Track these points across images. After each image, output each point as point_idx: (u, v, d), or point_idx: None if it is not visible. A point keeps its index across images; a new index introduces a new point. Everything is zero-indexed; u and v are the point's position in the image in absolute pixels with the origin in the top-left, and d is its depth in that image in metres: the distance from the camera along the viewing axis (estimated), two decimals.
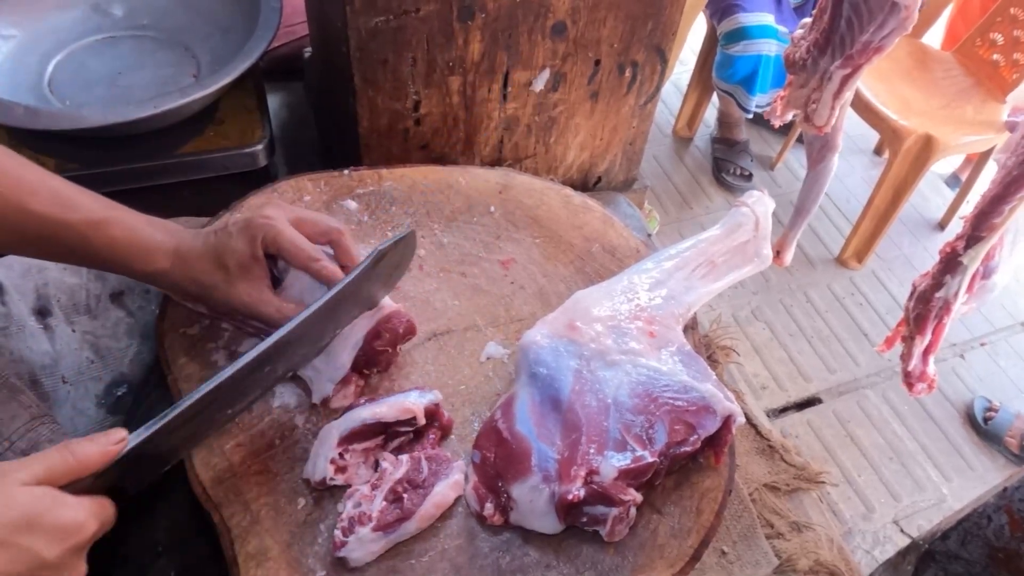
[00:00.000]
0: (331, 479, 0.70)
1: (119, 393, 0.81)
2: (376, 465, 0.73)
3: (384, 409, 0.72)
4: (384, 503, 0.69)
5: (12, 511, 0.48)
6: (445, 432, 0.78)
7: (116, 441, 0.56)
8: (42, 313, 0.80)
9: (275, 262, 0.79)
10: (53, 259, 0.73)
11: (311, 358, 0.77)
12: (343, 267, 0.76)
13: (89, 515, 0.52)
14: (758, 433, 1.09)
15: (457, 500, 0.73)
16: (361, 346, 0.77)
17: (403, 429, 0.74)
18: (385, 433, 0.73)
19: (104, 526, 0.55)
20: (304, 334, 0.70)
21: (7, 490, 0.49)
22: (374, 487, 0.70)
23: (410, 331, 0.80)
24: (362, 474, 0.72)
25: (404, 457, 0.73)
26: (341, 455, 0.71)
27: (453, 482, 0.72)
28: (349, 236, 0.78)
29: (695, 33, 2.67)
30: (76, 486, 0.54)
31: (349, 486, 0.72)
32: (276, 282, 0.78)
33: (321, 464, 0.70)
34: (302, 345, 0.73)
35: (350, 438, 0.71)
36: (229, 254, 0.73)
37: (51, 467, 0.52)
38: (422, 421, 0.74)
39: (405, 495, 0.70)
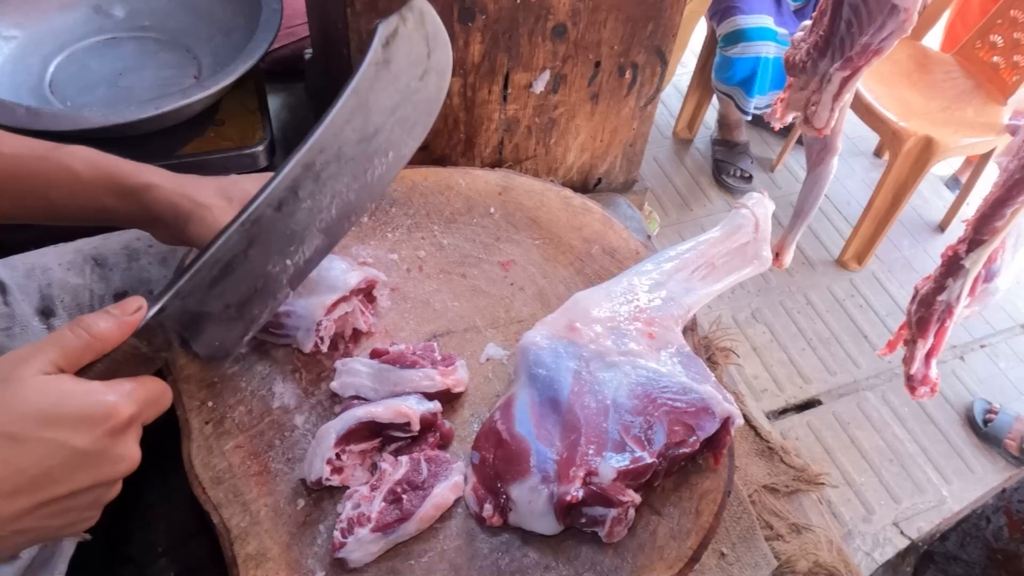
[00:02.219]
0: (327, 479, 0.70)
1: None
2: (373, 467, 0.73)
3: (380, 410, 0.72)
4: (383, 504, 0.69)
5: (30, 404, 0.45)
6: (445, 441, 0.77)
7: (133, 310, 0.52)
8: (45, 313, 0.80)
9: None
10: (24, 205, 0.68)
11: (366, 192, 0.66)
12: None
13: (119, 396, 0.48)
14: (757, 435, 1.09)
15: (457, 501, 0.73)
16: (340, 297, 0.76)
17: (399, 434, 0.74)
18: (382, 435, 0.73)
19: (151, 404, 0.51)
20: (335, 151, 0.62)
21: (23, 382, 0.46)
22: (373, 488, 0.70)
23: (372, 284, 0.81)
24: (358, 476, 0.72)
25: (404, 458, 0.73)
26: (338, 456, 0.71)
27: (453, 483, 0.72)
28: None
29: (695, 35, 2.67)
30: (98, 369, 0.50)
31: (345, 487, 0.72)
32: None
33: (318, 464, 0.70)
34: (342, 168, 0.63)
35: (347, 438, 0.71)
36: (235, 189, 0.72)
37: (67, 348, 0.48)
38: (416, 428, 0.73)
39: (404, 496, 0.70)
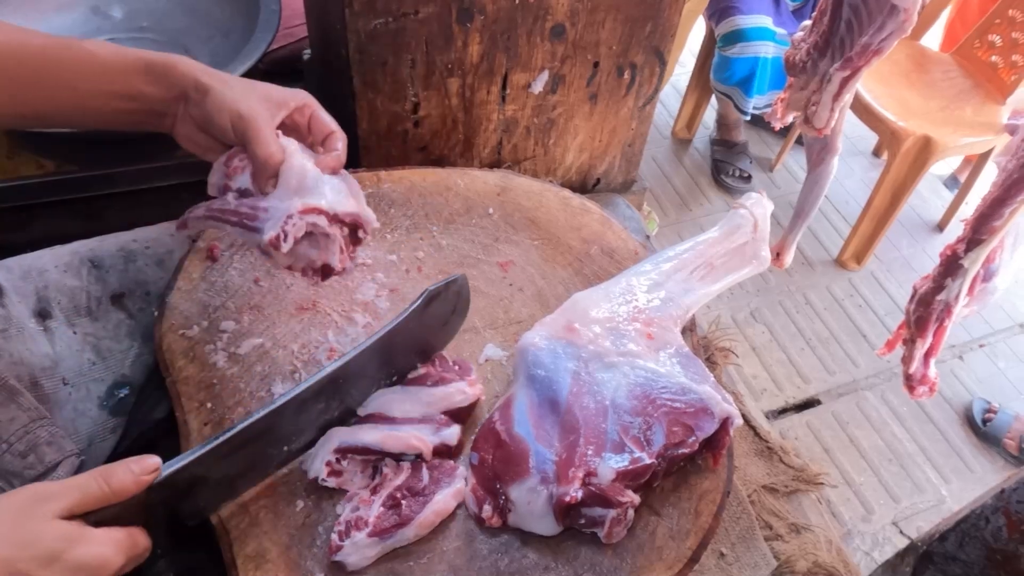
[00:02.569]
0: (323, 480, 0.70)
1: (121, 395, 0.81)
2: (375, 471, 0.73)
3: (390, 442, 0.72)
4: (382, 509, 0.69)
5: (38, 546, 0.50)
6: (456, 454, 0.77)
7: (150, 470, 0.57)
8: (42, 315, 0.80)
9: None
10: (54, 101, 0.69)
11: (364, 398, 0.76)
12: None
13: (115, 550, 0.53)
14: (757, 435, 1.09)
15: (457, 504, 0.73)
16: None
17: (406, 458, 0.74)
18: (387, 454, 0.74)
19: (133, 559, 0.56)
20: (359, 370, 0.72)
21: (38, 523, 0.51)
22: (374, 492, 0.70)
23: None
24: (357, 480, 0.72)
25: (405, 464, 0.73)
26: (338, 460, 0.71)
27: (454, 491, 0.72)
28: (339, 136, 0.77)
29: (694, 35, 2.67)
30: (106, 513, 0.54)
31: (343, 490, 0.72)
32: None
33: (317, 464, 0.71)
34: (357, 383, 0.73)
35: (350, 451, 0.71)
36: (263, 85, 0.73)
37: (86, 497, 0.53)
38: (429, 458, 0.73)
39: (404, 502, 0.69)
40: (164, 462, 0.59)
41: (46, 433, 0.69)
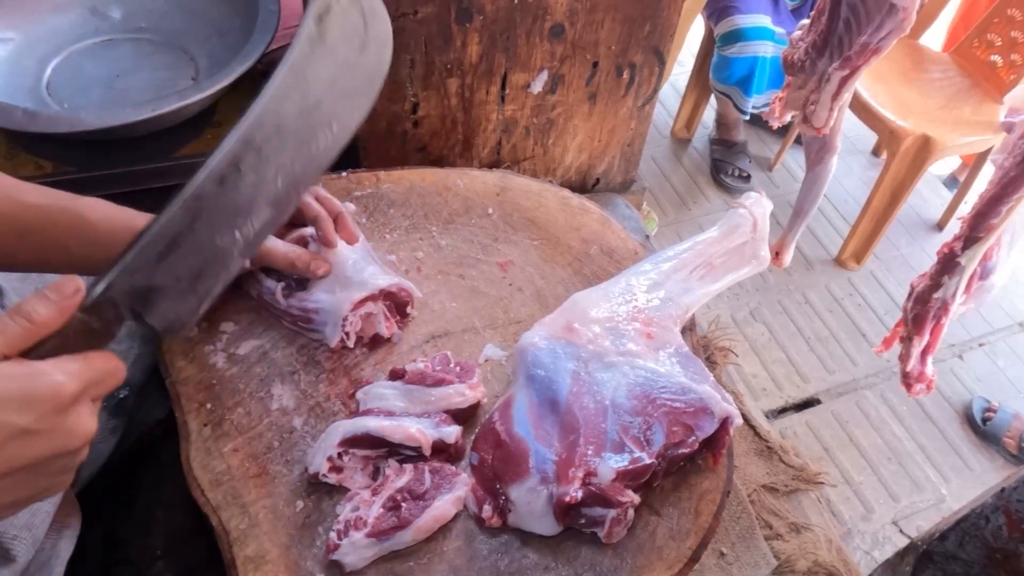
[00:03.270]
0: (324, 475, 0.70)
1: (121, 395, 0.81)
2: (375, 472, 0.73)
3: (391, 430, 0.72)
4: (381, 510, 0.68)
5: None
6: (457, 456, 0.77)
7: (71, 293, 0.52)
8: None
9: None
10: (42, 257, 0.70)
11: (312, 166, 0.67)
12: (331, 214, 0.82)
13: (64, 375, 0.50)
14: (756, 434, 1.09)
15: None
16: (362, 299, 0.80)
17: (407, 452, 0.74)
18: (389, 447, 0.73)
19: (100, 380, 0.53)
20: (276, 126, 0.62)
21: None
22: (374, 493, 0.70)
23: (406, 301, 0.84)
24: (357, 479, 0.72)
25: (408, 466, 0.73)
26: (340, 455, 0.71)
27: (455, 497, 0.72)
28: (328, 221, 0.82)
29: (693, 34, 2.67)
30: (47, 347, 0.51)
31: (344, 488, 0.72)
32: (301, 284, 0.82)
33: (318, 459, 0.71)
34: (284, 142, 0.63)
35: (353, 441, 0.71)
36: None
37: (8, 336, 0.50)
38: (428, 453, 0.73)
39: (403, 504, 0.69)
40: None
41: None
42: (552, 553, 0.71)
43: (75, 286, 0.52)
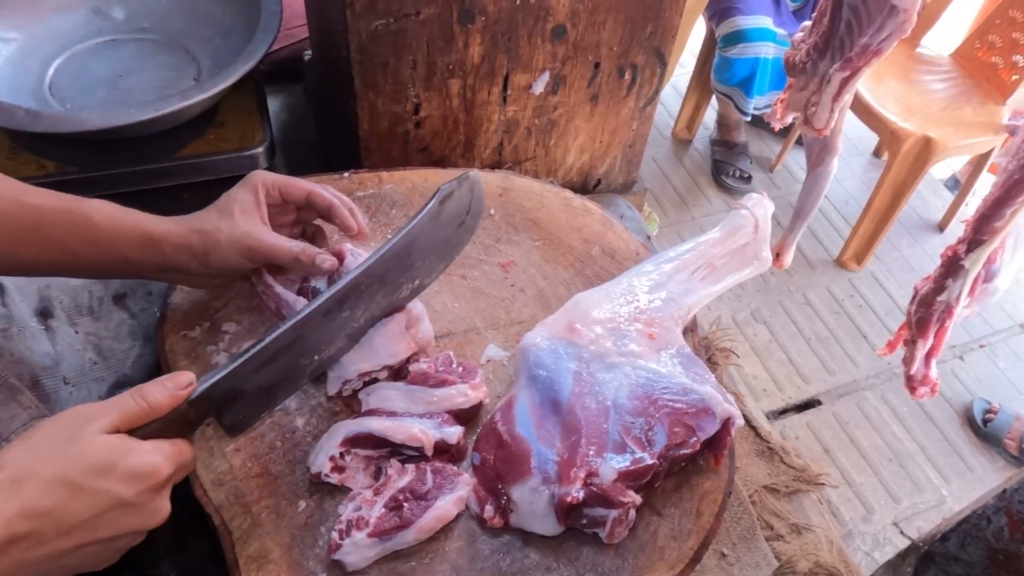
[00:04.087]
0: (326, 475, 0.70)
1: None
2: (377, 473, 0.73)
3: (394, 430, 0.72)
4: (383, 510, 0.69)
5: (91, 458, 0.52)
6: (459, 457, 0.77)
7: (184, 386, 0.59)
8: (44, 314, 0.80)
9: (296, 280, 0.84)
10: (48, 259, 0.71)
11: (388, 309, 0.77)
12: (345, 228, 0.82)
13: (163, 458, 0.56)
14: (758, 435, 1.09)
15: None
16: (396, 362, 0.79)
17: (409, 452, 0.74)
18: (391, 447, 0.73)
19: (183, 467, 0.58)
20: (379, 276, 0.73)
21: (86, 439, 0.53)
22: (376, 493, 0.70)
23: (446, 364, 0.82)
24: (359, 479, 0.72)
25: (410, 466, 0.73)
26: (342, 455, 0.71)
27: (457, 497, 0.72)
28: (343, 209, 0.82)
29: (694, 35, 2.67)
30: (149, 429, 0.57)
31: (346, 488, 0.72)
32: (304, 292, 0.82)
33: (320, 459, 0.71)
34: (379, 290, 0.74)
35: (355, 441, 0.71)
36: (233, 201, 0.76)
37: (126, 413, 0.55)
38: (429, 453, 0.73)
39: (406, 504, 0.69)
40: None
41: None
42: (554, 553, 0.71)
43: (188, 379, 0.59)
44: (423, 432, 0.72)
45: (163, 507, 0.57)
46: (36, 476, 0.50)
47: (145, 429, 0.57)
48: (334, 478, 0.71)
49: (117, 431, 0.55)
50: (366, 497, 0.70)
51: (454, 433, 0.74)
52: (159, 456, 0.55)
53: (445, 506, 0.71)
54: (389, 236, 0.94)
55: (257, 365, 0.64)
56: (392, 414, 0.74)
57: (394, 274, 0.75)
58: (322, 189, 0.81)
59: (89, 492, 0.51)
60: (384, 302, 0.76)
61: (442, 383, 0.77)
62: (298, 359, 0.69)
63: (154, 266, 0.73)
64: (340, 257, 0.81)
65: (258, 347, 0.64)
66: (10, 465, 0.50)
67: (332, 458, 0.70)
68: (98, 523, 0.52)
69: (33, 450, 0.52)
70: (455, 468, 0.74)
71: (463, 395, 0.77)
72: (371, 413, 0.74)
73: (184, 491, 0.72)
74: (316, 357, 0.71)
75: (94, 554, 0.54)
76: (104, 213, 0.70)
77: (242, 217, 0.75)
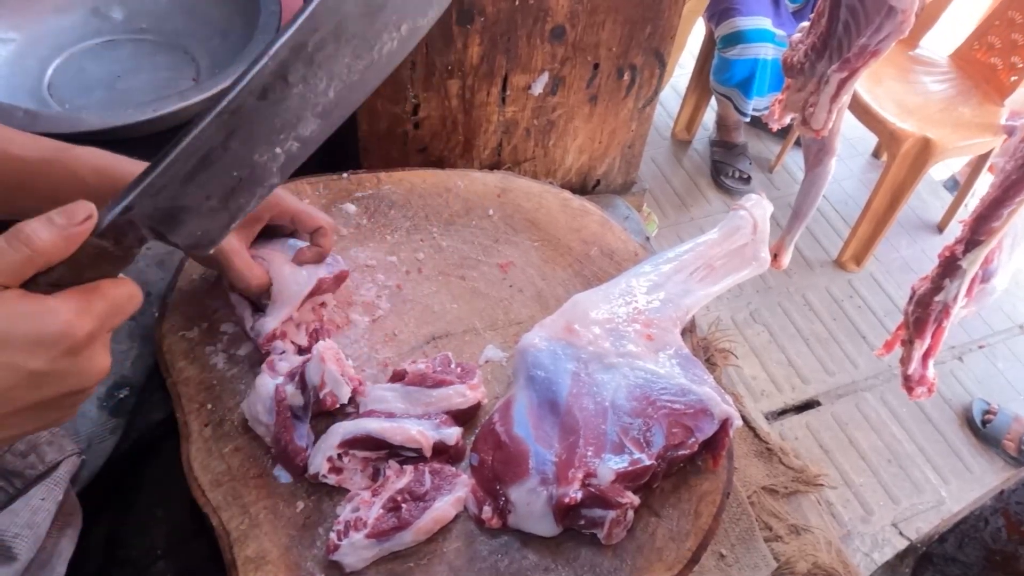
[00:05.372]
0: (323, 476, 0.70)
1: (121, 395, 0.81)
2: (376, 473, 0.73)
3: (392, 432, 0.72)
4: (381, 511, 0.68)
5: None
6: (457, 458, 0.77)
7: (81, 219, 0.46)
8: None
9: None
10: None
11: (372, 72, 0.57)
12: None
13: (73, 314, 0.45)
14: (756, 436, 1.09)
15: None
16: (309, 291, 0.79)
17: (408, 454, 0.74)
18: (390, 448, 0.73)
19: (114, 313, 0.48)
20: (335, 28, 0.53)
21: None
22: (374, 494, 0.70)
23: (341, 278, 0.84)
24: (357, 480, 0.72)
25: (408, 467, 0.73)
26: (340, 456, 0.71)
27: (455, 498, 0.72)
28: (330, 236, 0.82)
29: (694, 36, 2.68)
30: (55, 275, 0.46)
31: (344, 490, 0.72)
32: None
33: (318, 460, 0.70)
34: (342, 47, 0.54)
35: (353, 443, 0.71)
36: None
37: (6, 263, 0.44)
38: (428, 454, 0.73)
39: (404, 505, 0.69)
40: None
41: (47, 433, 0.69)
42: (552, 554, 0.71)
43: (87, 211, 0.47)
44: (421, 433, 0.72)
45: (94, 364, 0.47)
46: None
47: (50, 276, 0.46)
48: (332, 479, 0.71)
49: (4, 287, 0.44)
50: (364, 498, 0.70)
51: (452, 434, 0.74)
52: (66, 313, 0.45)
53: (443, 507, 0.71)
54: (387, 237, 0.94)
55: (185, 173, 0.50)
56: (390, 415, 0.74)
57: (356, 20, 0.53)
58: (312, 209, 0.81)
59: None
60: (360, 63, 0.55)
61: (440, 384, 0.77)
62: (248, 155, 0.54)
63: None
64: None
65: (176, 151, 0.50)
66: None
67: (330, 459, 0.70)
68: (10, 399, 0.44)
69: None
70: (453, 469, 0.74)
71: (461, 396, 0.77)
72: (369, 414, 0.74)
73: (183, 491, 0.72)
74: (278, 149, 0.55)
75: (29, 420, 0.46)
76: (88, 165, 0.67)
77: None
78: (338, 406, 0.74)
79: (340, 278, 0.84)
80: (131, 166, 0.70)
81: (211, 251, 0.55)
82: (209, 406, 0.76)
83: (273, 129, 0.54)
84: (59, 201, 0.61)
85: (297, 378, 0.75)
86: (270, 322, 0.79)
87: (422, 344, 0.86)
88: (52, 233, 0.45)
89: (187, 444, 0.74)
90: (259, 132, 0.53)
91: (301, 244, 0.83)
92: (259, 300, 0.81)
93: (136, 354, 0.84)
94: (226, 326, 0.83)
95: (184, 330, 0.82)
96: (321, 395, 0.73)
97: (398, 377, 0.79)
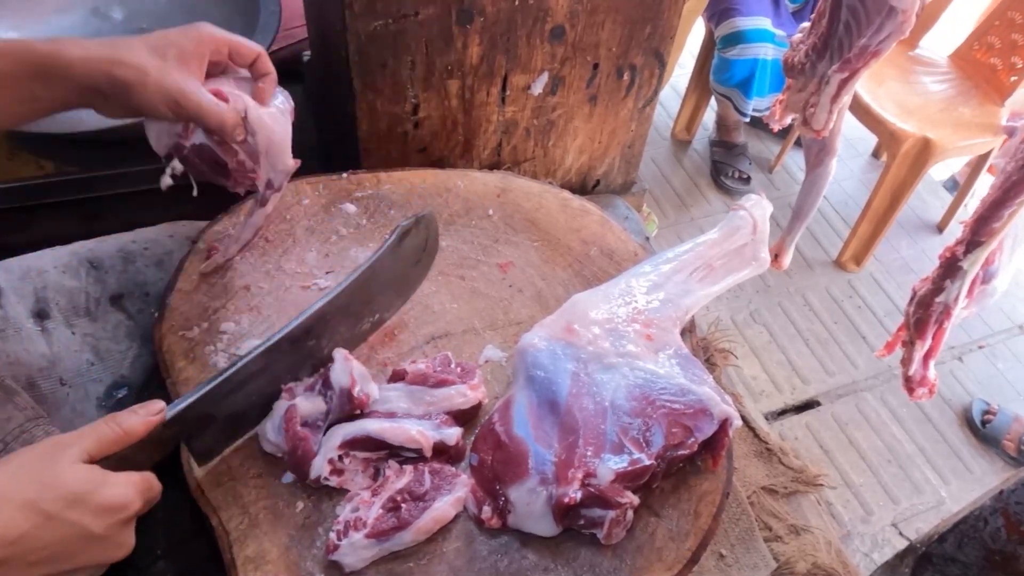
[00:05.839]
0: (325, 479, 0.70)
1: (120, 395, 0.81)
2: (376, 473, 0.73)
3: (392, 432, 0.72)
4: (381, 511, 0.68)
5: (64, 488, 0.52)
6: (457, 458, 0.76)
7: (156, 412, 0.60)
8: (40, 316, 0.80)
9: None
10: (40, 101, 0.67)
11: (350, 342, 0.80)
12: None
13: (134, 492, 0.56)
14: (756, 436, 1.09)
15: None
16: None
17: (408, 454, 0.74)
18: (390, 448, 0.73)
19: (149, 502, 0.59)
20: (343, 307, 0.75)
21: (61, 468, 0.53)
22: (374, 493, 0.70)
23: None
24: (359, 481, 0.72)
25: (408, 467, 0.73)
26: (340, 458, 0.71)
27: (455, 498, 0.72)
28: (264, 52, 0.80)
29: (694, 36, 2.68)
30: (120, 455, 0.58)
31: (345, 491, 0.72)
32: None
33: (318, 462, 0.70)
34: (342, 321, 0.77)
35: (353, 444, 0.71)
36: (169, 44, 0.72)
37: (100, 440, 0.56)
38: (429, 455, 0.73)
39: (404, 505, 0.69)
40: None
41: (43, 433, 0.69)
42: (551, 554, 0.71)
43: (160, 406, 0.61)
44: (421, 433, 0.72)
45: (129, 540, 0.57)
46: (10, 502, 0.50)
47: (116, 455, 0.58)
48: (333, 481, 0.71)
49: (92, 460, 0.56)
50: (364, 498, 0.70)
51: (453, 434, 0.74)
52: (131, 490, 0.56)
53: (443, 507, 0.70)
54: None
55: (228, 390, 0.66)
56: (390, 415, 0.74)
57: (356, 306, 0.78)
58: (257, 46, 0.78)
59: (60, 522, 0.52)
60: (347, 333, 0.79)
61: (441, 383, 0.77)
62: (266, 386, 0.72)
63: (67, 99, 0.68)
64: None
65: (228, 372, 0.66)
66: None
67: (331, 461, 0.70)
68: (64, 552, 0.53)
69: (10, 476, 0.52)
70: (453, 469, 0.74)
71: (462, 395, 0.77)
72: (369, 415, 0.74)
73: (182, 491, 0.72)
74: (281, 385, 0.74)
75: (59, 572, 0.54)
76: (73, 53, 0.66)
77: (177, 65, 0.70)
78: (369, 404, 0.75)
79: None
80: (37, 45, 0.66)
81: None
82: None
83: (287, 370, 0.73)
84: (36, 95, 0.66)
85: (318, 387, 0.75)
86: (280, 177, 0.80)
87: (422, 344, 0.86)
88: (135, 420, 0.59)
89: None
90: (278, 370, 0.72)
91: (243, 75, 0.80)
92: (232, 139, 0.76)
93: (134, 354, 0.84)
94: (226, 325, 0.83)
95: (183, 330, 0.82)
96: (355, 393, 0.72)
97: (398, 377, 0.78)
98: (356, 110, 1.02)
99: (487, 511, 0.72)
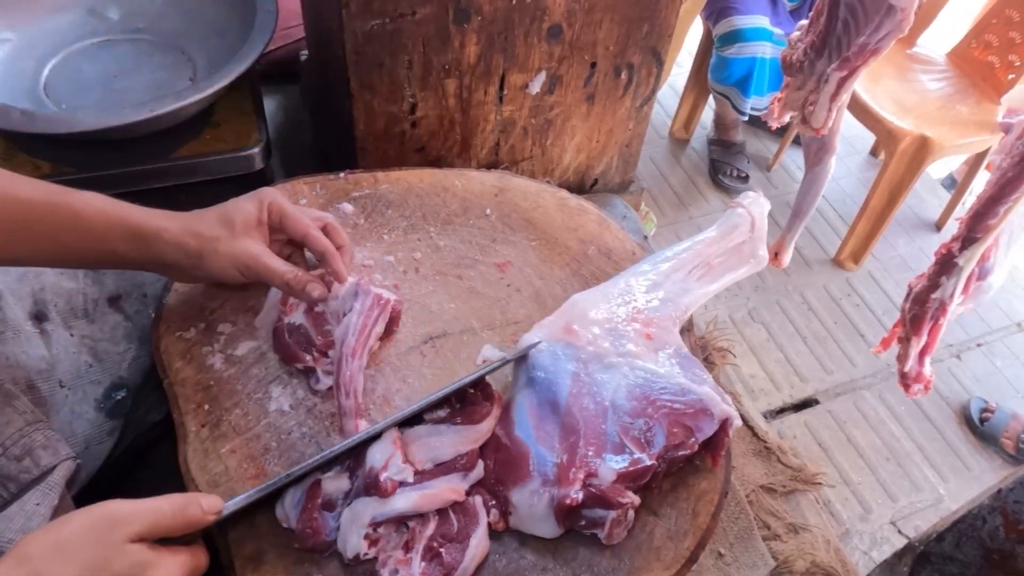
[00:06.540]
0: (365, 554, 0.66)
1: (118, 397, 0.81)
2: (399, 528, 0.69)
3: (428, 503, 0.68)
4: (423, 564, 0.65)
5: (114, 569, 0.53)
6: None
7: (215, 511, 0.62)
8: (38, 318, 0.80)
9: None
10: (36, 251, 0.70)
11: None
12: (337, 247, 0.81)
13: (182, 572, 0.58)
14: (755, 435, 1.09)
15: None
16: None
17: None
18: None
19: (196, 573, 0.60)
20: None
21: (111, 547, 0.54)
22: (407, 549, 0.67)
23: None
24: (392, 539, 0.68)
25: (430, 512, 0.69)
26: (375, 528, 0.67)
27: (483, 530, 0.69)
28: (336, 257, 0.81)
29: (691, 35, 2.67)
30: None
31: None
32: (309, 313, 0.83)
33: (353, 540, 0.66)
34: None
35: (384, 523, 0.68)
36: (237, 212, 0.76)
37: (158, 524, 0.57)
38: (463, 498, 0.70)
39: (443, 550, 0.67)
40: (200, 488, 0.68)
41: (42, 436, 0.69)
42: (550, 554, 0.71)
43: (220, 505, 0.63)
44: (454, 491, 0.70)
45: None
46: None
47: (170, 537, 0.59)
48: (372, 552, 0.67)
49: (143, 539, 0.56)
50: (398, 557, 0.66)
51: (479, 474, 0.72)
52: (179, 570, 0.57)
53: (478, 543, 0.68)
54: (384, 237, 0.94)
55: (266, 496, 0.68)
56: (404, 484, 0.69)
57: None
58: (317, 232, 0.80)
59: None
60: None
61: (471, 419, 0.75)
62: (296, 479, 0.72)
63: (145, 260, 0.74)
64: (328, 286, 0.80)
65: (273, 482, 0.68)
66: (36, 559, 0.51)
67: (367, 536, 0.66)
68: None
69: (60, 548, 0.52)
70: (469, 499, 0.71)
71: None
72: (395, 489, 0.69)
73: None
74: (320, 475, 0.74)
75: None
76: (92, 206, 0.70)
77: (243, 231, 0.76)
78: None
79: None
80: (134, 210, 0.72)
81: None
82: (206, 407, 0.76)
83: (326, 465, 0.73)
84: (60, 243, 0.70)
85: (348, 463, 0.72)
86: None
87: (419, 344, 0.85)
88: (198, 514, 0.60)
89: (184, 445, 0.74)
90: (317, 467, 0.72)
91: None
92: (312, 300, 0.79)
93: (133, 355, 0.84)
94: (223, 326, 0.83)
95: (181, 331, 0.81)
96: (382, 479, 0.67)
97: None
98: (353, 109, 1.02)
99: (495, 514, 0.71)
